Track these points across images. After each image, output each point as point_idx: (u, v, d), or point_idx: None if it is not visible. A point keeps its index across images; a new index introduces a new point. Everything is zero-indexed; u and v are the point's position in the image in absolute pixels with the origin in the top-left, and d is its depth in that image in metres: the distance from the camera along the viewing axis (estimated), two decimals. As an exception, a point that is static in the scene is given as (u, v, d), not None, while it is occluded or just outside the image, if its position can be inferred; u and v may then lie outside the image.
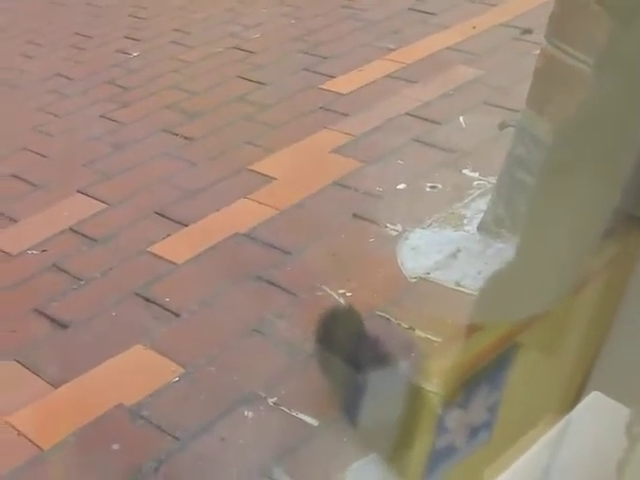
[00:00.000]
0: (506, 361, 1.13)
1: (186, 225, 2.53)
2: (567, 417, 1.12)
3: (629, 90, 1.33)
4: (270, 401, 1.88)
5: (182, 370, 2.00)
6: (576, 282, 1.13)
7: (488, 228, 2.23)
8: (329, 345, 1.84)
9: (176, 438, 1.83)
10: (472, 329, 1.19)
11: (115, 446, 1.83)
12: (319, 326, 1.87)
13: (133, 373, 2.03)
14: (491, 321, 1.29)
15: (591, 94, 1.52)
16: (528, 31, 3.45)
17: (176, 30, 4.07)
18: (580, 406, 1.11)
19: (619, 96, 1.35)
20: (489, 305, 1.39)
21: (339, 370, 1.78)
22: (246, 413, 1.86)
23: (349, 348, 1.78)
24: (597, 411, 1.13)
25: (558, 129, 1.82)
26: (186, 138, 3.04)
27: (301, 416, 1.83)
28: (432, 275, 2.15)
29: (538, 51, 2.13)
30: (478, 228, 2.26)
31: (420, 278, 2.16)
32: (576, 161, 1.30)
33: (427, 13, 3.82)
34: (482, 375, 1.12)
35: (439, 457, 1.13)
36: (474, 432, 1.14)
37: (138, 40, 4.01)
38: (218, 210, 2.57)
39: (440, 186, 2.52)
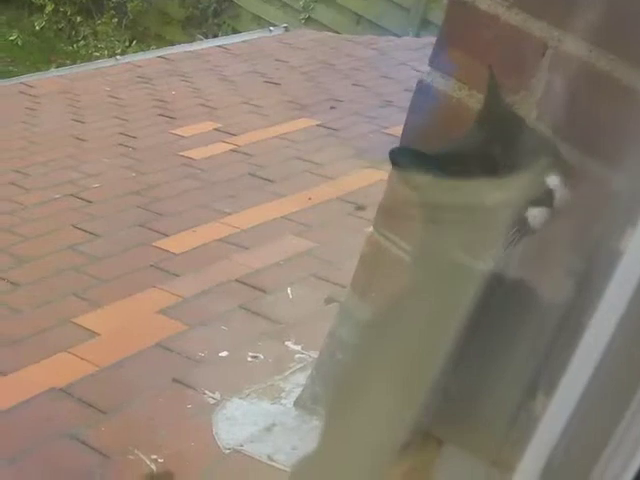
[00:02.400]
0: None
1: (4, 375, 2.48)
2: None
3: (437, 294, 1.41)
4: None
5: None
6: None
7: (305, 404, 2.26)
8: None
9: None
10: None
11: None
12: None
13: None
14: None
15: (406, 292, 1.60)
16: (361, 208, 3.57)
17: (16, 171, 4.06)
18: None
19: (428, 298, 1.43)
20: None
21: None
22: None
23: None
24: None
25: (366, 326, 1.90)
26: (12, 283, 3.01)
27: None
28: (245, 447, 2.16)
29: (370, 228, 2.21)
30: (295, 403, 2.29)
31: (234, 450, 2.16)
32: (376, 370, 1.36)
33: (266, 180, 3.92)
34: None
35: None
36: None
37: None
38: (37, 362, 2.53)
39: (262, 356, 2.55)
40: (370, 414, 1.26)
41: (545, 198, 1.13)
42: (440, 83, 1.95)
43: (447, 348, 1.17)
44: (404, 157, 1.32)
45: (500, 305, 1.17)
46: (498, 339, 1.12)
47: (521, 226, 1.13)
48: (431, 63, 1.98)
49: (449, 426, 1.07)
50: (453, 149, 1.49)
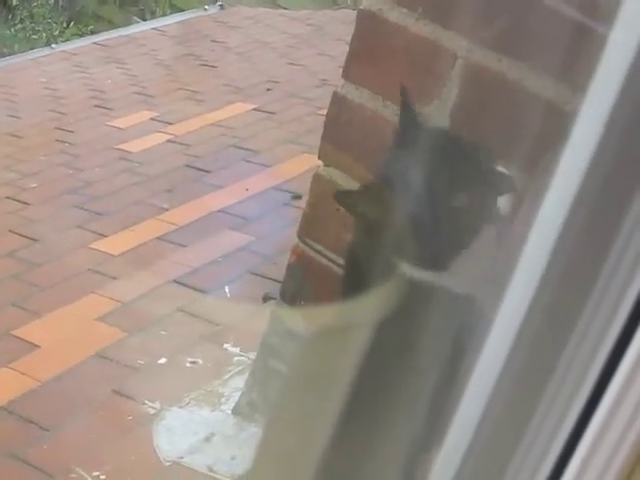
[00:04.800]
0: None
1: (-59, 396, 2.50)
2: None
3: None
4: None
5: None
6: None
7: (243, 411, 2.30)
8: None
9: None
10: None
11: None
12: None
13: None
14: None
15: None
16: (298, 197, 3.59)
17: (-50, 174, 4.04)
18: None
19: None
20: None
21: None
22: None
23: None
24: None
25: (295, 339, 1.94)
26: (-51, 298, 3.02)
27: None
28: (185, 459, 2.20)
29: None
30: (233, 411, 2.33)
31: (174, 462, 2.20)
32: (302, 386, 1.40)
33: (202, 170, 3.93)
34: None
35: None
36: None
37: None
38: (-23, 380, 2.56)
39: (200, 361, 2.58)
40: (299, 430, 1.30)
41: (506, 184, 1.19)
42: (355, 95, 1.98)
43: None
44: (344, 199, 1.41)
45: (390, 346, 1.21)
46: (383, 393, 1.15)
47: (495, 216, 1.18)
48: (344, 75, 2.00)
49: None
50: (379, 177, 1.53)
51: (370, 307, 1.36)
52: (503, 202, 1.35)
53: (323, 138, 2.06)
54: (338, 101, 2.01)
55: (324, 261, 2.08)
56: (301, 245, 2.14)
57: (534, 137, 1.58)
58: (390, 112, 1.91)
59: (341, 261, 1.99)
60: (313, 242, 2.12)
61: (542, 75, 1.66)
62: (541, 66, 1.65)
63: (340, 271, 1.99)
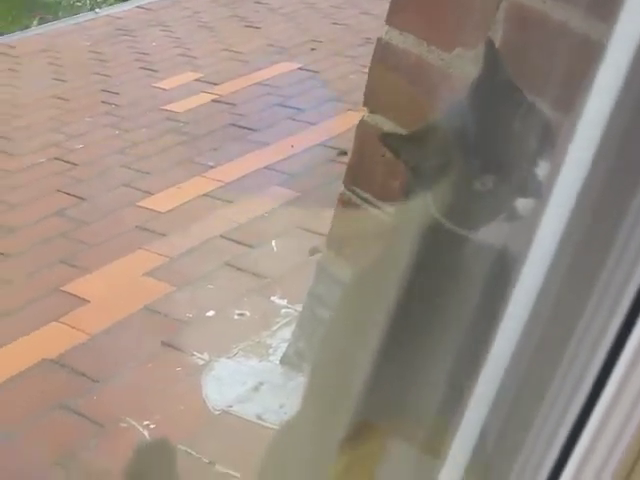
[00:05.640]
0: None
1: (-5, 349, 2.53)
2: None
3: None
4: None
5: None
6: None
7: (290, 361, 2.30)
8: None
9: None
10: None
11: None
12: (131, 461, 1.91)
13: None
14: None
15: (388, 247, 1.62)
16: (343, 153, 3.58)
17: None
18: None
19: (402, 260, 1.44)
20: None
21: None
22: None
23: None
24: None
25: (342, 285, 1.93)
26: (1, 254, 3.05)
27: None
28: (234, 408, 2.21)
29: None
30: (281, 360, 2.34)
31: (223, 411, 2.21)
32: (351, 331, 1.39)
33: (248, 129, 3.93)
34: None
35: None
36: None
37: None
38: (28, 334, 2.57)
39: (248, 313, 2.59)
40: (346, 376, 1.29)
41: (536, 189, 1.13)
42: (399, 40, 1.96)
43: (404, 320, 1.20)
44: (390, 141, 1.35)
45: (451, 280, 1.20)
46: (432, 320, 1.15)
47: (510, 213, 1.15)
48: (388, 21, 1.98)
49: (387, 415, 1.11)
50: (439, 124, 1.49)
51: (412, 248, 1.35)
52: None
53: (368, 85, 2.05)
54: (382, 47, 2.00)
55: (371, 209, 2.08)
56: (347, 193, 2.14)
57: (577, 79, 1.55)
58: (435, 57, 1.89)
59: (387, 208, 1.98)
60: (359, 190, 2.11)
61: (587, 16, 1.63)
62: (585, 6, 1.62)
63: (386, 217, 1.99)
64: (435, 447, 0.86)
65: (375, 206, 2.06)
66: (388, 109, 2.00)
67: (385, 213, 2.01)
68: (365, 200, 2.09)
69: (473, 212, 1.20)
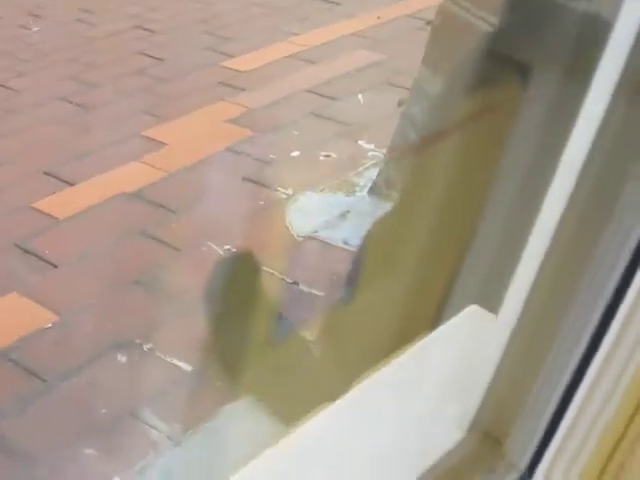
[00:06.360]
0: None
1: (72, 184, 2.46)
2: (441, 328, 1.09)
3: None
4: (145, 347, 1.82)
5: (56, 317, 1.93)
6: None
7: (379, 190, 2.20)
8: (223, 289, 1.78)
9: (43, 380, 1.76)
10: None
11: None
12: (212, 274, 1.84)
13: (5, 318, 1.96)
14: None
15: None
16: (432, 22, 3.44)
17: (81, 9, 3.99)
18: (456, 318, 1.08)
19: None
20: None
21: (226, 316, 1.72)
22: (119, 358, 1.80)
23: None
24: (473, 324, 1.10)
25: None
26: (82, 106, 2.97)
27: (176, 362, 1.77)
28: (320, 234, 2.12)
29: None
30: (369, 191, 2.23)
31: (307, 237, 2.12)
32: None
33: (333, 3, 3.80)
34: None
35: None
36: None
37: (41, 17, 3.92)
38: (107, 172, 2.50)
39: (334, 155, 2.49)
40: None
41: None
42: None
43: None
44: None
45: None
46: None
47: None
48: None
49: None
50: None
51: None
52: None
53: None
54: None
55: (471, 18, 1.95)
56: (447, 2, 2.01)
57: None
58: None
59: (490, 19, 1.85)
60: None
61: None
62: None
63: (487, 27, 1.86)
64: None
65: (476, 16, 1.94)
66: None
67: (484, 22, 1.89)
68: (466, 9, 1.96)
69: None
